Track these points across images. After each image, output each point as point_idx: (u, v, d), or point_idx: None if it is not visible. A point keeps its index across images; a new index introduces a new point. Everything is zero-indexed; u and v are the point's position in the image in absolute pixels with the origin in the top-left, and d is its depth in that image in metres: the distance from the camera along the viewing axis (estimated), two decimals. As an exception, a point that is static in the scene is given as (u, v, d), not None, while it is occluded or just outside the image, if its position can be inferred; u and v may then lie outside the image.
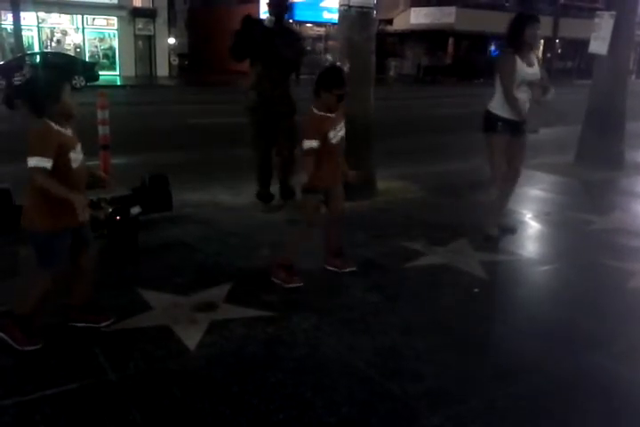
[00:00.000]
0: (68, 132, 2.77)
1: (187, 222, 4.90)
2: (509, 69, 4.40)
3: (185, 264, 3.99)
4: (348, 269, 3.88)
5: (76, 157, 2.76)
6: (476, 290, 3.72)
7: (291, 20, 28.43)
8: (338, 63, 3.69)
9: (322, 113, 3.52)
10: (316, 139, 3.45)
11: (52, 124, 2.68)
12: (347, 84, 3.52)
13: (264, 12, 27.39)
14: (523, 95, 4.46)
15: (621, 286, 3.87)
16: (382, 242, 4.47)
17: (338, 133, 3.56)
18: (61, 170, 2.67)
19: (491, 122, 4.58)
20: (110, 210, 4.20)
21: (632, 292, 3.79)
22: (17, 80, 2.82)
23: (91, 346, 2.89)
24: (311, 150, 3.46)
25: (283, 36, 5.06)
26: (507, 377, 2.75)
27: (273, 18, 5.00)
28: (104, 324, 3.07)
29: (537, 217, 5.43)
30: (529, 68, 4.43)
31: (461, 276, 3.94)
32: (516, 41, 4.42)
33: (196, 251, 4.27)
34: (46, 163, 2.60)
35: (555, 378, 2.75)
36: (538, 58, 4.60)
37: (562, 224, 5.24)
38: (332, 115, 3.54)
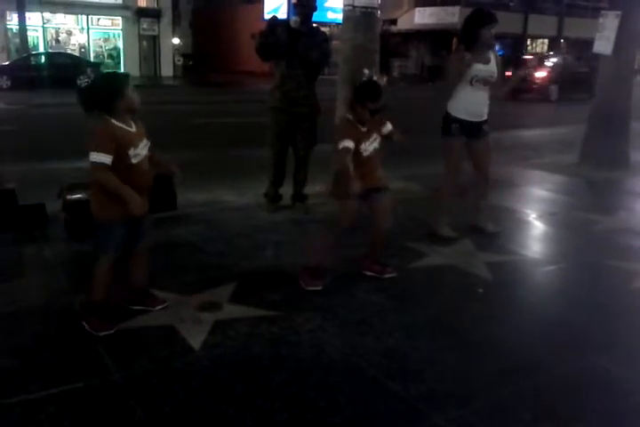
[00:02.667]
0: (132, 128, 2.92)
1: (191, 222, 4.91)
2: (455, 66, 4.36)
3: (189, 264, 4.00)
4: (388, 275, 3.84)
5: (137, 152, 2.91)
6: (480, 290, 3.72)
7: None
8: (375, 77, 3.67)
9: (353, 121, 3.51)
10: (349, 139, 3.41)
11: (114, 122, 2.84)
12: (381, 99, 3.46)
13: (268, 12, 27.34)
14: (477, 94, 4.41)
15: (626, 286, 3.85)
16: (386, 243, 4.46)
17: (369, 147, 3.54)
18: (120, 165, 2.82)
19: (446, 123, 4.51)
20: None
21: (637, 292, 3.78)
22: (83, 82, 2.89)
23: (95, 345, 2.90)
24: (346, 149, 3.41)
25: (309, 36, 4.99)
26: (510, 378, 2.74)
27: (298, 19, 4.92)
28: (158, 307, 3.26)
29: (542, 217, 5.42)
30: (482, 66, 4.35)
31: (465, 276, 3.94)
32: (470, 40, 4.33)
33: (200, 250, 4.28)
34: (104, 158, 2.76)
35: (558, 379, 2.75)
36: (496, 56, 4.49)
37: (567, 224, 5.22)
38: (364, 128, 3.51)
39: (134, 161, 2.89)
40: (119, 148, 2.81)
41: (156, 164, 3.12)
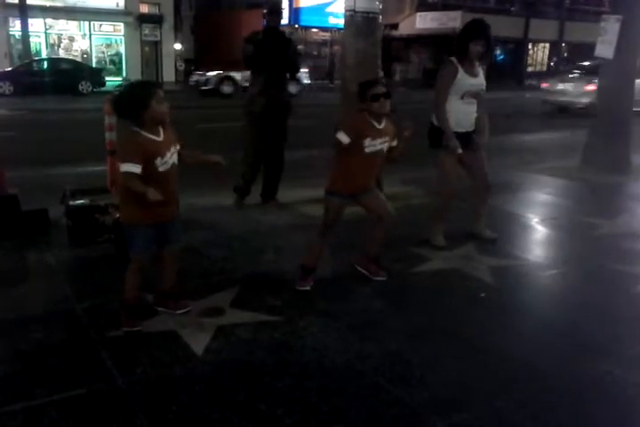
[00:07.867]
0: (160, 137, 2.97)
1: (193, 227, 4.90)
2: (447, 79, 4.31)
3: (191, 269, 3.99)
4: (378, 278, 3.81)
5: (164, 161, 2.97)
6: (482, 295, 3.72)
7: (297, 26, 28.54)
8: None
9: (367, 117, 3.46)
10: (346, 133, 3.39)
11: (140, 132, 2.90)
12: (381, 83, 3.47)
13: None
14: (468, 107, 4.38)
15: (629, 290, 3.85)
16: (388, 247, 4.46)
17: (377, 145, 3.47)
18: (149, 174, 2.89)
19: (436, 136, 4.42)
20: (117, 215, 4.22)
21: (640, 296, 3.78)
22: (116, 91, 2.98)
23: (98, 351, 2.90)
24: (338, 144, 3.41)
25: (288, 43, 5.34)
26: (513, 384, 2.74)
27: (292, 31, 5.16)
28: (179, 312, 3.30)
29: (544, 221, 5.41)
30: (472, 79, 4.31)
31: (468, 281, 3.93)
32: (460, 53, 4.30)
33: (201, 255, 4.28)
34: (133, 168, 2.83)
35: (562, 385, 2.74)
36: (483, 69, 4.45)
37: (568, 228, 5.22)
38: (380, 125, 3.47)
39: (162, 169, 2.96)
40: (146, 158, 2.87)
41: (194, 161, 3.28)
